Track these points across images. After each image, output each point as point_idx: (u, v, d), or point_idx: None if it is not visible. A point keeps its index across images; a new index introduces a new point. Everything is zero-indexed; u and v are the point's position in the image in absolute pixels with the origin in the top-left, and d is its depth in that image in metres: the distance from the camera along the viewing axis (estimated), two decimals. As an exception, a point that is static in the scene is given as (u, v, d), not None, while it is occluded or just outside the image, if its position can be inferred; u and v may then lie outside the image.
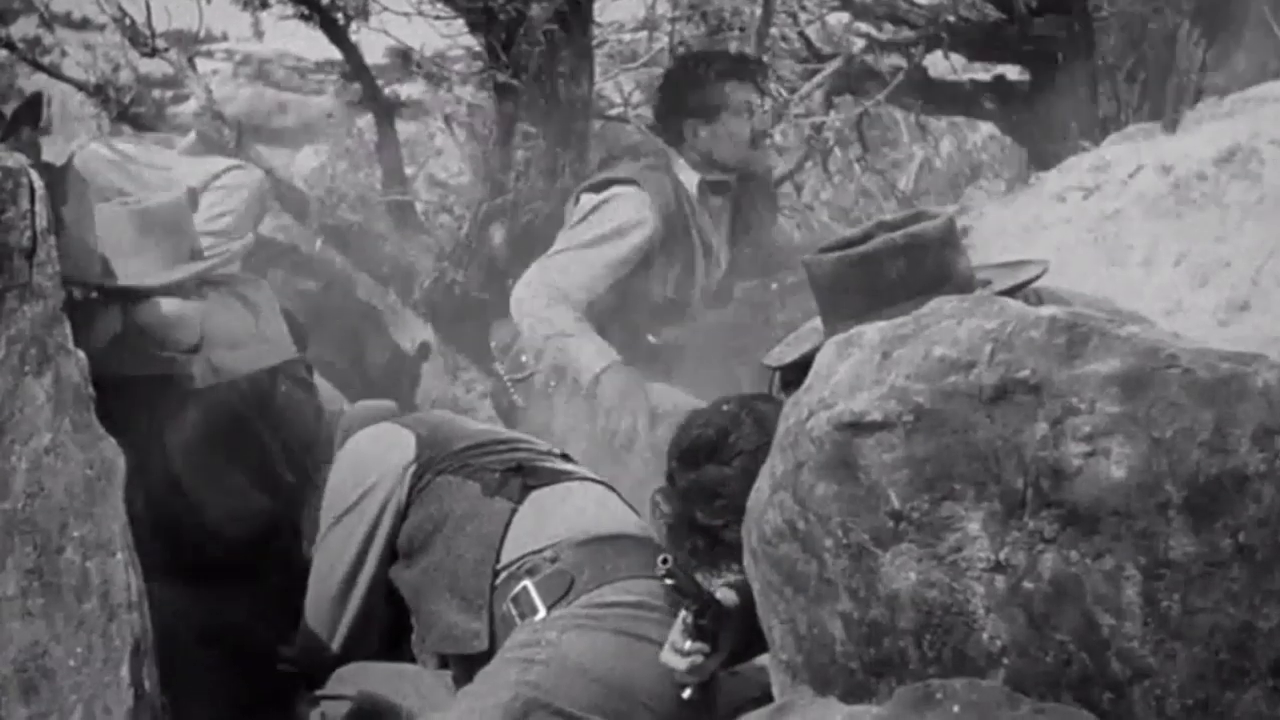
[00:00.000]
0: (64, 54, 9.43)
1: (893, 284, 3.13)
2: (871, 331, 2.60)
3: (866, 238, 3.21)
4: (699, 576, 3.02)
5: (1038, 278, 3.31)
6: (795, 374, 3.39)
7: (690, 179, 4.65)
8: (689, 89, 4.56)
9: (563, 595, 3.25)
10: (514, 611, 3.28)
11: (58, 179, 4.41)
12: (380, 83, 8.43)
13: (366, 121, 9.28)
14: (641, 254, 4.58)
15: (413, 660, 3.49)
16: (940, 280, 3.10)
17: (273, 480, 3.79)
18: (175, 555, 3.76)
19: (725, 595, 2.96)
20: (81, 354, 3.21)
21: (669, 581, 2.86)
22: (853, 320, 2.91)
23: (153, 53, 8.92)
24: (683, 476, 3.20)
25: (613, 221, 4.58)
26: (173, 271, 3.85)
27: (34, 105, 4.64)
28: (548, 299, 4.56)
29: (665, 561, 2.84)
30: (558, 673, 3.13)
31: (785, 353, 3.41)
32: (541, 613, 3.23)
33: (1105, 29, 8.69)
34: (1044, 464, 2.35)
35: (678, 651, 2.98)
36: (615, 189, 4.76)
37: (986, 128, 9.41)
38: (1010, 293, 3.00)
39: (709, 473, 3.16)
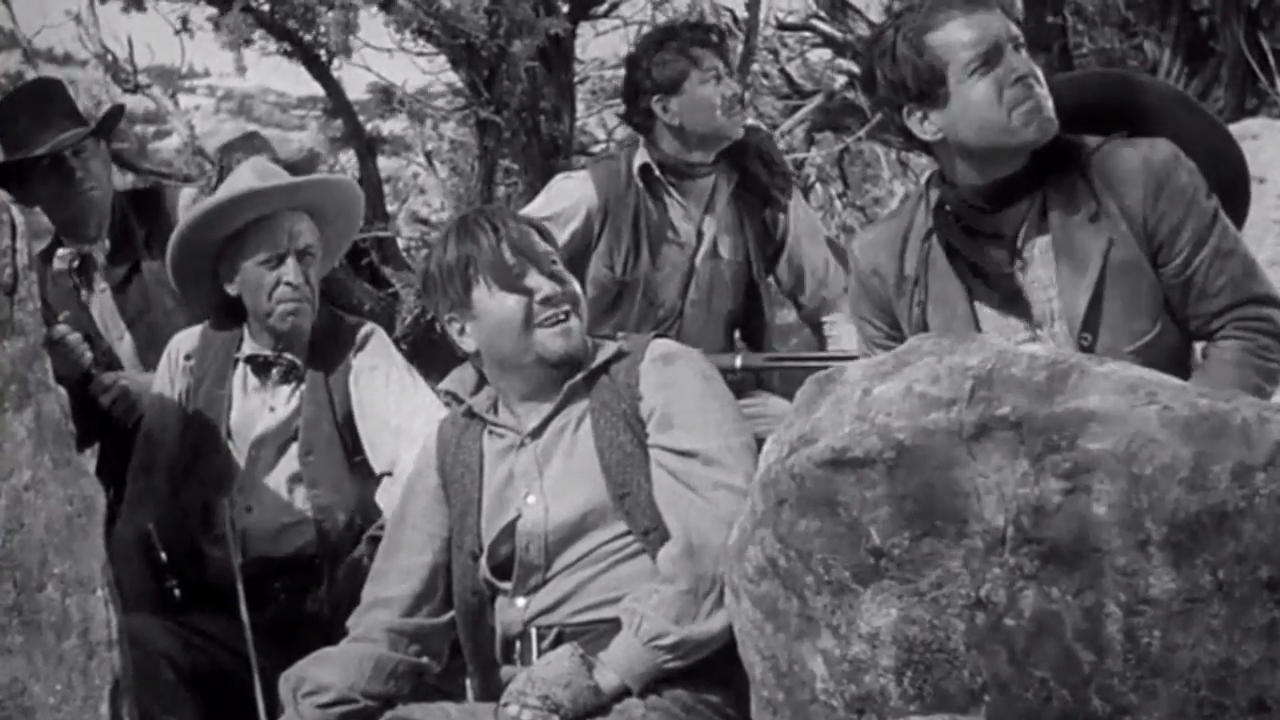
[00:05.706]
0: (46, 89, 9.41)
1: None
2: (852, 368, 2.61)
3: None
4: None
5: None
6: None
7: (644, 165, 4.66)
8: (651, 67, 4.58)
9: None
10: None
11: None
12: (362, 119, 8.46)
13: (348, 157, 9.30)
14: (580, 236, 4.61)
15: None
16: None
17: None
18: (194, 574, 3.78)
19: None
20: (62, 390, 3.20)
21: None
22: None
23: (135, 89, 8.95)
24: None
25: (553, 205, 4.63)
26: None
27: (113, 117, 4.63)
28: None
29: None
30: None
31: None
32: None
33: (1085, 65, 8.75)
34: (1025, 501, 2.35)
35: None
36: (565, 173, 4.91)
37: (967, 164, 9.42)
38: None
39: None
